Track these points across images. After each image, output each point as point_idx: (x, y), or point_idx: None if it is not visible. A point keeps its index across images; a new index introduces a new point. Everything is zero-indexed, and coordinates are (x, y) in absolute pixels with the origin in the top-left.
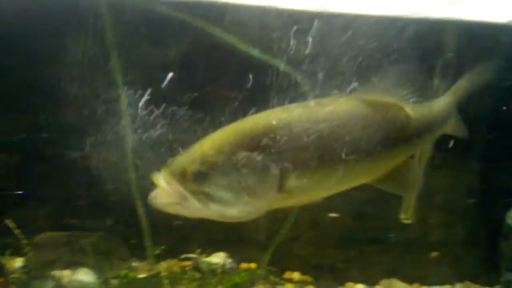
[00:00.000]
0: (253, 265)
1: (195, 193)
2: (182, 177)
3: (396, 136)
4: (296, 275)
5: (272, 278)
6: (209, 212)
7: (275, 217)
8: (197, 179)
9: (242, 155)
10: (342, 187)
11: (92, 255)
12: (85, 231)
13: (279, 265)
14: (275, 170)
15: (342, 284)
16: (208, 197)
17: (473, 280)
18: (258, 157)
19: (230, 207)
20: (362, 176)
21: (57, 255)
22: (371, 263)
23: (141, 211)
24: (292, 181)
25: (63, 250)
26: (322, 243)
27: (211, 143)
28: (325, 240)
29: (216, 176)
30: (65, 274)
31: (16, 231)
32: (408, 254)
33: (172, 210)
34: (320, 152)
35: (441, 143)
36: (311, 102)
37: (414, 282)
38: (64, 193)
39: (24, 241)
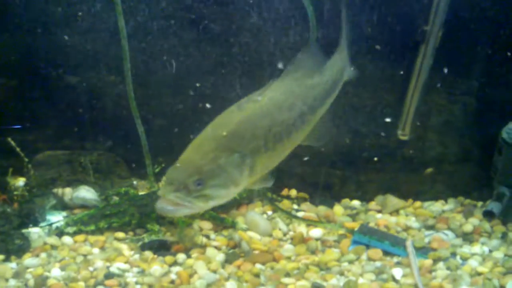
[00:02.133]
0: None
1: (198, 198)
2: (185, 188)
3: (313, 102)
4: (293, 192)
5: (269, 194)
6: (208, 206)
7: None
8: (197, 187)
9: (225, 157)
10: (286, 154)
11: (92, 173)
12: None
13: (277, 182)
14: (248, 161)
15: (338, 201)
16: (208, 197)
17: (466, 196)
18: (235, 155)
19: (223, 199)
20: (298, 141)
21: (58, 173)
22: (366, 181)
23: (140, 130)
24: (256, 164)
25: (64, 168)
26: (318, 162)
27: (198, 154)
28: (321, 159)
29: (211, 180)
30: (67, 192)
31: (18, 150)
32: (403, 171)
33: (180, 213)
34: (269, 137)
35: (439, 62)
36: (245, 102)
37: (409, 198)
38: (64, 115)
39: (26, 160)
